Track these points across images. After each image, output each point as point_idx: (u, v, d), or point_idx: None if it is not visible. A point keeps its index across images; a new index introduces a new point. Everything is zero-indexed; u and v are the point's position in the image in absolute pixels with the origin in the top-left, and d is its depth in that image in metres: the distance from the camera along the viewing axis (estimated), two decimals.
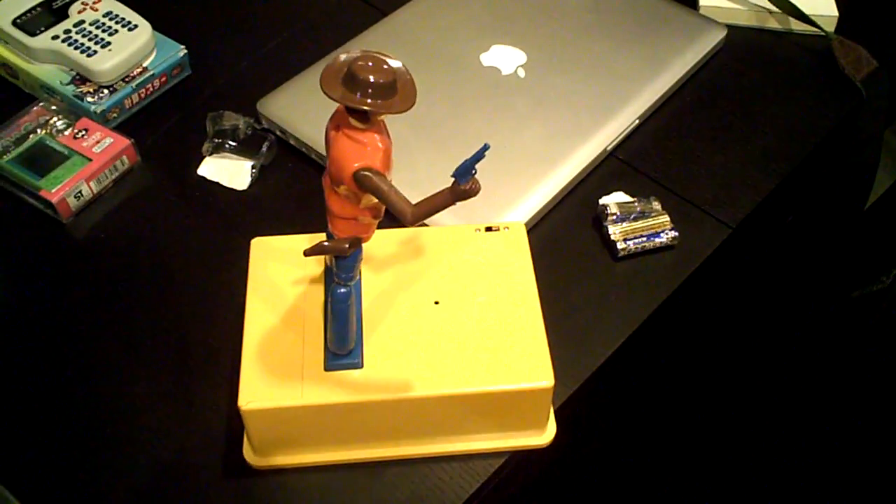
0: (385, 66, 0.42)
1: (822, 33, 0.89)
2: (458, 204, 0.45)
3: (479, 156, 0.43)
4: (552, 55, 0.83)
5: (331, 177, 0.46)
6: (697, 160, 0.79)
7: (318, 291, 0.59)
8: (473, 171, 0.43)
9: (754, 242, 0.83)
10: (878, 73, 0.85)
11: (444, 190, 0.45)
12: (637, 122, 0.79)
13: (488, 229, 0.63)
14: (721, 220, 0.74)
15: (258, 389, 0.53)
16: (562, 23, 0.87)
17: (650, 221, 0.71)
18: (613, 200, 0.72)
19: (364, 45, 0.84)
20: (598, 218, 0.72)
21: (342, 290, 0.52)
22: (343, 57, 0.44)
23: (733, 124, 0.82)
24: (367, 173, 0.44)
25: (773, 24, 0.91)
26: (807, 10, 0.88)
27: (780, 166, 0.78)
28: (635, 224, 0.71)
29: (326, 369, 0.54)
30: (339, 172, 0.45)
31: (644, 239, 0.70)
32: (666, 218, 0.71)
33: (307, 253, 0.49)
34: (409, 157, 0.72)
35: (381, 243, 0.61)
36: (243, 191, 0.75)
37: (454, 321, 0.57)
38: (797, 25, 0.90)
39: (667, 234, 0.70)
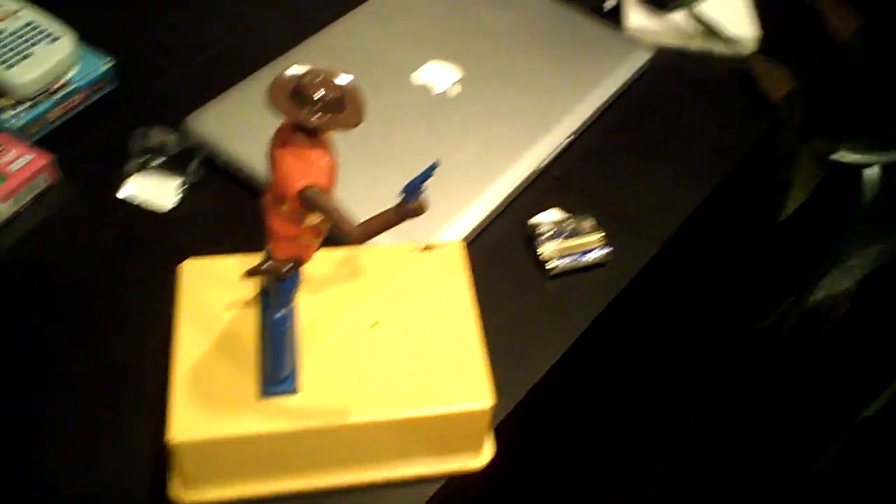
0: (333, 81, 0.42)
1: (742, 54, 0.92)
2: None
3: (427, 173, 0.42)
4: (486, 73, 0.83)
5: (273, 195, 0.45)
6: (628, 177, 0.80)
7: (253, 315, 0.57)
8: (422, 189, 0.43)
9: (683, 259, 0.85)
10: (793, 92, 0.88)
11: (389, 209, 0.44)
12: (570, 139, 0.80)
13: (426, 248, 0.63)
14: (651, 237, 0.75)
15: (189, 420, 0.52)
16: (495, 41, 0.88)
17: (582, 239, 0.72)
18: (545, 219, 0.73)
19: (294, 61, 0.82)
20: (531, 235, 0.73)
21: (280, 314, 0.51)
22: (289, 72, 0.43)
23: (661, 142, 0.84)
24: (312, 191, 0.43)
25: (696, 44, 0.93)
26: (730, 30, 0.91)
27: (705, 183, 0.81)
28: (567, 242, 0.71)
29: (263, 396, 0.53)
30: (284, 190, 0.44)
31: (576, 257, 0.71)
32: (598, 235, 0.72)
33: (246, 275, 0.48)
34: (343, 177, 0.71)
35: (317, 264, 0.59)
36: (170, 210, 0.73)
37: (392, 343, 0.57)
38: (717, 46, 0.93)
39: (598, 251, 0.71)
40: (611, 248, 0.72)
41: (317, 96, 0.41)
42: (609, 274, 0.72)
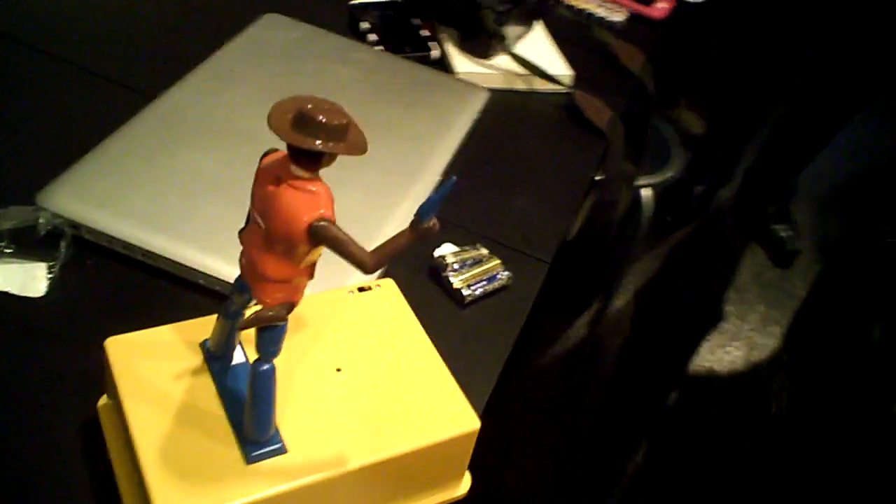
0: (336, 109, 0.41)
1: (564, 89, 1.00)
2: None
3: (445, 191, 0.42)
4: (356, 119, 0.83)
5: (269, 237, 0.42)
6: (496, 208, 0.84)
7: (204, 382, 0.53)
8: (437, 209, 0.42)
9: (566, 275, 0.89)
10: (615, 119, 0.98)
11: (402, 231, 0.43)
12: (440, 178, 0.82)
13: (361, 289, 0.61)
14: (537, 258, 0.79)
15: (176, 501, 0.46)
16: (342, 94, 0.88)
17: (485, 266, 0.74)
18: (446, 252, 0.74)
19: (141, 127, 0.78)
20: (436, 269, 0.73)
21: (266, 367, 0.47)
22: (286, 102, 0.41)
23: (515, 174, 0.89)
24: (324, 223, 0.41)
25: (520, 85, 1.00)
26: (549, 70, 0.99)
27: (565, 206, 0.86)
28: (473, 270, 0.73)
29: (249, 462, 0.49)
30: (289, 227, 0.41)
31: (484, 283, 0.73)
32: (497, 261, 0.75)
33: (240, 326, 0.44)
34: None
35: None
36: (40, 298, 0.65)
37: (363, 386, 0.54)
38: (540, 85, 1.00)
39: (502, 275, 0.74)
40: (510, 273, 0.74)
41: (323, 123, 0.40)
42: (514, 295, 0.74)
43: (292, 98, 0.41)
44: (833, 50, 2.11)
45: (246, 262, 0.45)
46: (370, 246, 0.42)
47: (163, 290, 0.67)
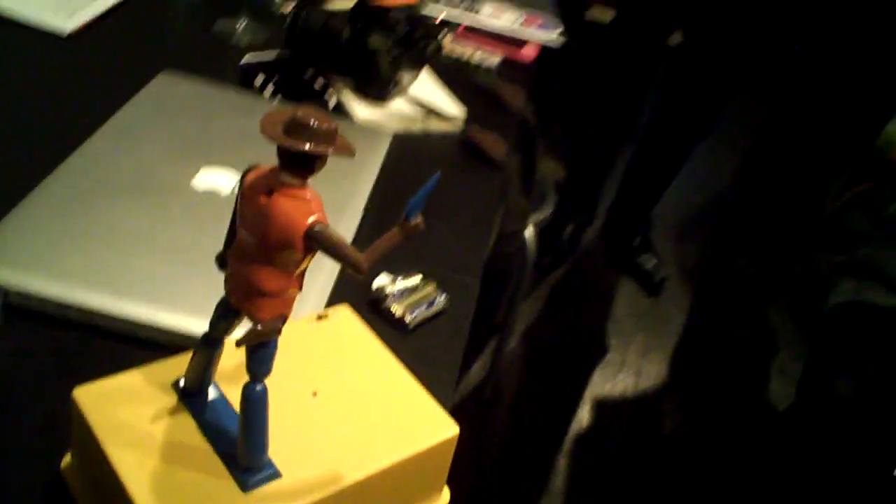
0: (324, 115, 0.42)
1: (459, 127, 1.05)
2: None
3: (428, 189, 0.44)
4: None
5: (264, 249, 0.43)
6: (420, 239, 0.86)
7: (184, 420, 0.51)
8: (424, 206, 0.44)
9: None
10: (510, 151, 1.03)
11: (391, 231, 0.45)
12: (361, 214, 0.84)
13: (319, 317, 0.62)
14: (465, 281, 0.81)
15: None
16: (251, 144, 0.88)
17: (422, 292, 0.76)
18: (383, 282, 0.76)
19: (56, 187, 0.76)
20: (376, 300, 0.74)
21: (260, 388, 0.47)
22: (275, 114, 0.42)
23: (429, 207, 0.91)
24: (320, 227, 0.42)
25: (417, 126, 1.04)
26: (445, 110, 1.04)
27: (479, 231, 0.90)
28: (411, 297, 0.75)
29: (247, 490, 0.48)
30: (286, 234, 0.42)
31: (424, 308, 0.74)
32: (433, 286, 0.77)
33: (239, 343, 0.44)
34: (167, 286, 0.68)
35: (224, 356, 0.56)
36: None
37: (341, 406, 0.55)
38: (436, 125, 1.05)
39: (439, 299, 0.76)
40: (446, 294, 0.77)
41: (316, 128, 0.42)
42: (452, 316, 0.76)
43: (279, 110, 0.42)
44: (674, 88, 2.29)
45: (235, 281, 0.46)
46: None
47: (103, 348, 0.65)
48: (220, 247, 0.72)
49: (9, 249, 0.68)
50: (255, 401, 0.47)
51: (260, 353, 0.46)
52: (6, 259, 0.67)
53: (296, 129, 0.41)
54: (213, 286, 0.67)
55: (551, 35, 1.44)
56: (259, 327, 0.44)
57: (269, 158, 0.82)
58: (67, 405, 0.58)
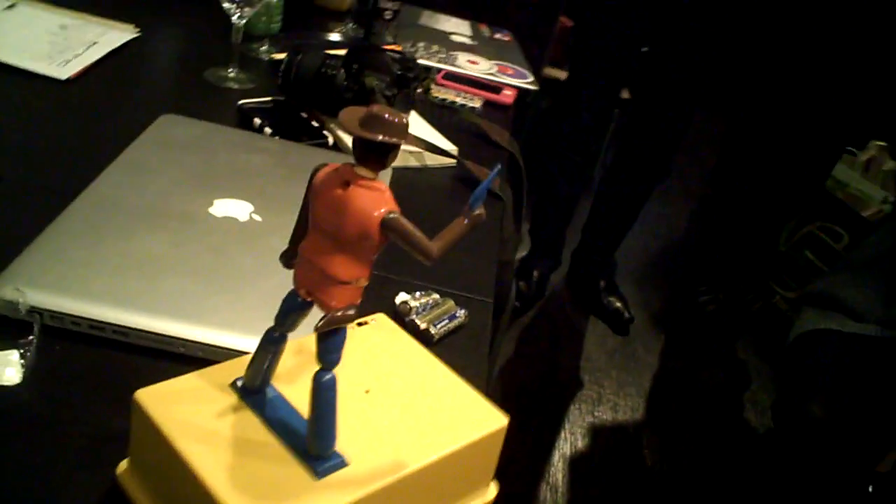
0: (395, 110, 0.45)
1: (453, 161, 1.09)
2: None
3: (490, 180, 0.47)
4: (272, 203, 0.86)
5: (340, 238, 0.46)
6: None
7: (248, 415, 0.53)
8: (485, 197, 0.47)
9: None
10: (504, 184, 1.07)
11: (456, 221, 0.48)
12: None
13: (360, 324, 0.64)
14: (479, 298, 0.84)
15: None
16: (259, 177, 0.91)
17: (443, 307, 0.78)
18: (405, 297, 0.78)
19: (76, 217, 0.77)
20: (400, 315, 0.77)
21: (329, 377, 0.49)
22: (351, 110, 0.45)
23: (434, 234, 0.95)
24: (395, 216, 0.45)
25: (413, 162, 1.08)
26: (441, 145, 1.08)
27: (485, 255, 0.93)
28: (434, 311, 0.77)
29: (319, 477, 0.49)
30: (363, 223, 0.45)
31: (446, 321, 0.77)
32: (451, 302, 0.80)
33: (318, 328, 0.46)
34: (199, 304, 0.69)
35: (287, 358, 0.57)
36: (15, 386, 0.62)
37: (393, 403, 0.57)
38: (431, 160, 1.09)
39: (459, 313, 0.79)
40: (465, 310, 0.79)
41: (389, 120, 0.45)
42: (471, 331, 0.79)
43: (355, 108, 0.45)
44: (629, 136, 2.39)
45: (307, 272, 0.48)
46: None
47: (139, 364, 0.66)
48: (242, 267, 0.75)
49: (38, 274, 0.69)
50: (326, 388, 0.49)
51: (331, 341, 0.48)
52: (37, 283, 0.68)
53: (371, 122, 0.44)
54: (240, 302, 0.70)
55: (527, 80, 1.51)
56: (335, 314, 0.47)
57: (278, 191, 0.85)
58: (114, 417, 0.59)
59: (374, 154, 0.45)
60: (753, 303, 2.63)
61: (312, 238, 0.48)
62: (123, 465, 0.56)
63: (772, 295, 2.63)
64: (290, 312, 0.50)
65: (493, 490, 0.61)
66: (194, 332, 0.67)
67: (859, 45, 2.28)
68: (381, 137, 0.44)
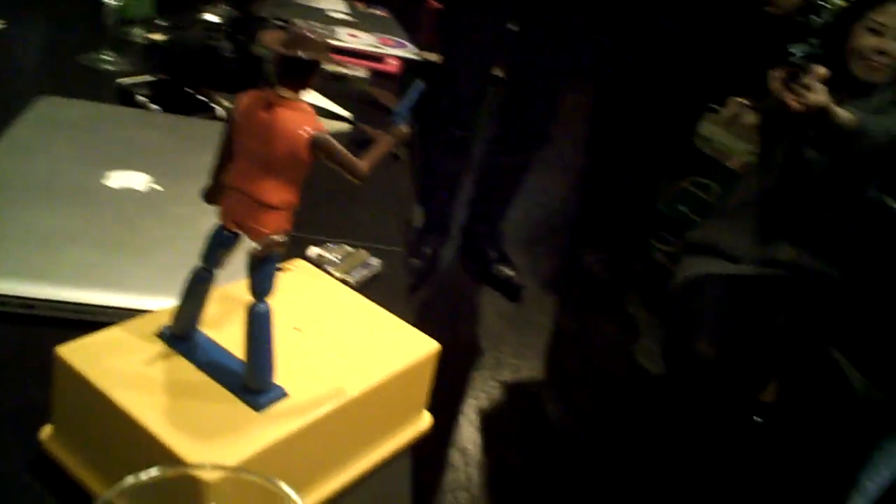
0: (316, 30, 0.46)
1: (350, 127, 1.09)
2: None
3: (414, 96, 0.48)
4: (170, 171, 0.84)
5: (269, 161, 0.46)
6: (341, 217, 0.89)
7: (179, 361, 0.52)
8: (410, 113, 0.48)
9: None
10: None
11: (381, 138, 0.48)
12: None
13: (280, 269, 0.64)
14: (391, 248, 0.85)
15: (206, 453, 0.46)
16: (154, 151, 0.89)
17: (356, 257, 0.79)
18: (317, 251, 0.78)
19: None
20: (316, 266, 0.77)
21: (264, 306, 0.49)
22: (272, 32, 0.45)
23: (344, 191, 0.95)
24: (324, 134, 0.46)
25: None
26: (334, 111, 1.08)
27: (393, 210, 0.94)
28: (348, 262, 0.78)
29: (260, 410, 0.49)
30: (292, 143, 0.45)
31: (362, 270, 0.78)
32: (364, 251, 0.80)
33: (256, 253, 0.46)
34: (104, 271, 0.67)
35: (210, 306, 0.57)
36: None
37: (325, 337, 0.57)
38: (327, 126, 1.09)
39: (372, 261, 0.79)
40: (380, 259, 0.80)
41: (311, 39, 0.45)
42: (388, 279, 0.80)
43: (275, 31, 0.46)
44: (506, 108, 2.45)
45: (236, 203, 0.48)
46: None
47: (55, 336, 0.64)
48: (148, 234, 0.73)
49: None
50: (261, 319, 0.49)
51: (263, 271, 0.48)
52: None
53: (293, 41, 0.44)
54: (151, 266, 0.69)
55: (409, 50, 1.52)
56: (269, 241, 0.47)
57: (175, 162, 0.84)
58: (32, 388, 0.57)
59: (296, 73, 0.45)
60: (636, 260, 2.75)
61: (239, 167, 0.48)
62: (47, 430, 0.54)
63: (652, 251, 2.75)
64: (218, 248, 0.50)
65: (427, 418, 0.62)
66: (107, 297, 0.65)
67: (714, 9, 2.41)
68: (300, 53, 0.44)
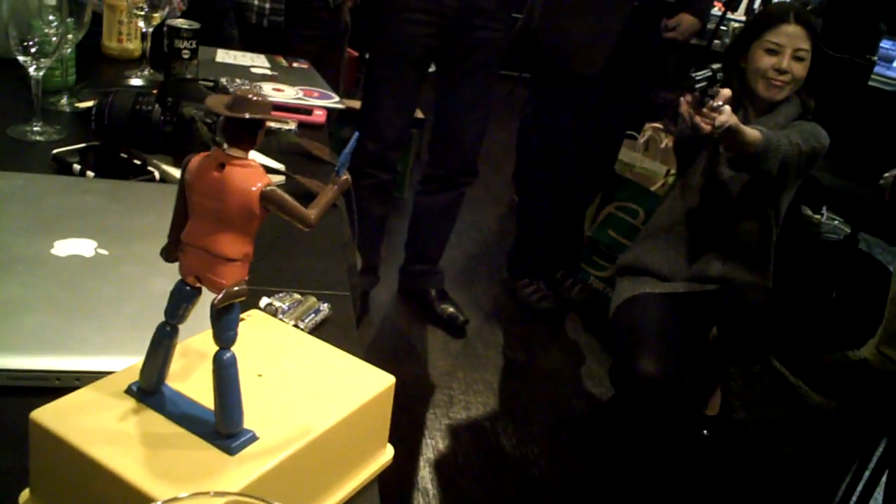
0: (257, 91, 0.49)
1: (283, 178, 1.12)
2: None
3: (351, 147, 0.52)
4: (114, 235, 0.86)
5: (224, 217, 0.49)
6: (285, 266, 0.92)
7: (150, 414, 0.54)
8: (348, 163, 0.52)
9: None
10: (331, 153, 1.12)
11: (326, 188, 0.52)
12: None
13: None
14: (334, 293, 0.88)
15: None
16: (101, 217, 0.90)
17: (306, 304, 0.82)
18: (269, 300, 0.81)
19: None
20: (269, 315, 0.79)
21: (229, 354, 0.52)
22: (215, 97, 0.49)
23: (286, 241, 0.98)
24: (272, 188, 0.49)
25: None
26: (268, 165, 1.11)
27: (333, 254, 0.97)
28: (298, 309, 0.81)
29: (233, 454, 0.52)
30: (244, 198, 0.48)
31: (312, 316, 0.81)
32: (313, 298, 0.83)
33: (217, 304, 0.49)
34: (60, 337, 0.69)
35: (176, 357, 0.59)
36: None
37: (287, 381, 0.60)
38: None
39: (322, 307, 0.82)
40: (328, 304, 0.83)
41: (254, 100, 0.49)
42: (336, 322, 0.83)
43: (218, 95, 0.49)
44: (434, 147, 2.50)
45: (193, 258, 0.50)
46: None
47: (18, 405, 0.65)
48: (100, 297, 0.75)
49: None
50: (228, 366, 0.51)
51: (226, 319, 0.51)
52: None
53: (237, 103, 0.48)
54: (106, 328, 0.71)
55: (333, 100, 1.57)
56: (229, 292, 0.49)
57: (118, 225, 0.86)
58: (4, 456, 0.58)
59: (244, 133, 0.49)
60: (572, 287, 2.82)
61: (194, 225, 0.50)
62: (25, 494, 0.55)
63: (587, 276, 2.83)
64: (181, 303, 0.53)
65: (390, 451, 0.65)
66: (65, 362, 0.67)
67: (631, 47, 2.52)
68: (248, 115, 0.48)
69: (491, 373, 2.40)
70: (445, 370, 2.36)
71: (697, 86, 1.77)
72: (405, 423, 2.10)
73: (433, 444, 2.05)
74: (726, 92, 1.75)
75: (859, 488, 1.97)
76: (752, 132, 1.82)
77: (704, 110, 1.75)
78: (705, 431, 2.27)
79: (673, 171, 2.66)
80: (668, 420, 2.26)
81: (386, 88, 2.34)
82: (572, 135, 2.66)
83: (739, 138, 1.80)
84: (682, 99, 1.81)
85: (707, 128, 1.75)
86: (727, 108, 1.74)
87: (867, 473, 1.92)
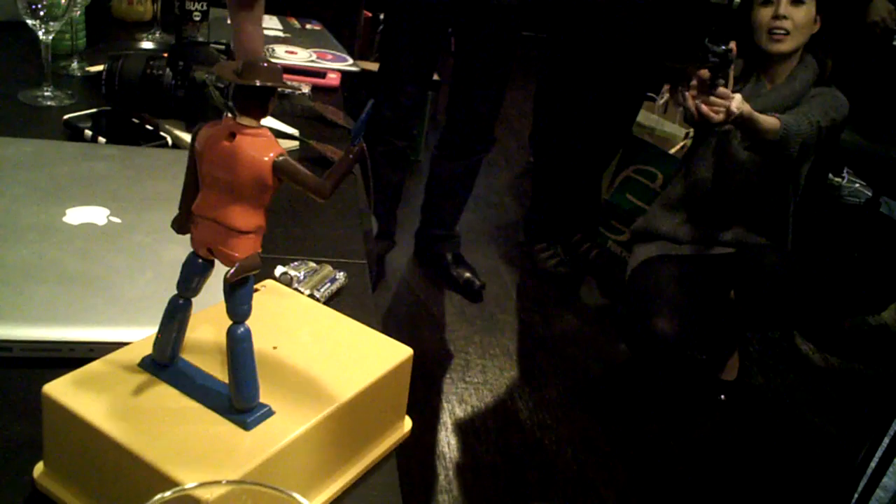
0: (268, 58, 0.47)
1: (298, 145, 1.10)
2: None
3: (367, 115, 0.50)
4: (127, 203, 0.85)
5: (235, 188, 0.47)
6: (302, 234, 0.91)
7: (164, 388, 0.53)
8: (363, 132, 0.50)
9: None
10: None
11: (341, 157, 0.50)
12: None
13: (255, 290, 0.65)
14: (350, 261, 0.87)
15: (201, 475, 0.47)
16: (111, 184, 0.89)
17: (321, 273, 0.81)
18: (284, 269, 0.80)
19: None
20: (285, 284, 0.78)
21: (243, 328, 0.50)
22: (226, 63, 0.47)
23: (301, 208, 0.96)
24: (285, 158, 0.47)
25: None
26: (282, 130, 1.09)
27: (350, 224, 0.96)
28: (314, 278, 0.79)
29: (249, 429, 0.51)
30: (256, 169, 0.47)
31: (328, 285, 0.79)
32: (329, 267, 0.82)
33: (230, 278, 0.48)
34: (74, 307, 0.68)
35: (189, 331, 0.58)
36: None
37: (303, 353, 0.59)
38: None
39: (338, 276, 0.81)
40: (344, 272, 0.82)
41: (265, 67, 0.47)
42: (353, 291, 0.82)
43: (228, 62, 0.47)
44: (451, 115, 2.47)
45: (206, 231, 0.49)
46: None
47: (32, 377, 0.64)
48: (112, 266, 0.73)
49: None
50: (242, 340, 0.50)
51: (240, 293, 0.49)
52: None
53: (248, 71, 0.46)
54: (118, 298, 0.69)
55: (348, 63, 1.54)
56: (242, 264, 0.48)
57: (131, 193, 0.84)
58: (18, 427, 0.58)
59: (255, 101, 0.47)
60: (589, 251, 2.79)
61: (206, 196, 0.49)
62: (39, 467, 0.54)
63: (605, 241, 2.80)
64: (193, 276, 0.51)
65: (408, 423, 0.64)
66: (78, 332, 0.66)
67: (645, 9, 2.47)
68: (258, 82, 0.46)
69: (507, 337, 2.39)
70: (462, 334, 2.36)
71: (711, 59, 1.72)
72: (422, 388, 2.11)
73: (450, 409, 2.05)
74: (726, 92, 1.72)
75: (878, 454, 1.96)
76: (769, 120, 1.77)
77: (713, 98, 1.71)
78: (723, 396, 2.26)
79: (692, 134, 2.61)
80: (683, 382, 2.25)
81: (403, 56, 2.31)
82: (590, 97, 2.61)
83: (754, 126, 1.76)
84: (683, 93, 1.76)
85: (718, 117, 1.71)
86: (738, 95, 1.70)
87: (886, 440, 1.91)
